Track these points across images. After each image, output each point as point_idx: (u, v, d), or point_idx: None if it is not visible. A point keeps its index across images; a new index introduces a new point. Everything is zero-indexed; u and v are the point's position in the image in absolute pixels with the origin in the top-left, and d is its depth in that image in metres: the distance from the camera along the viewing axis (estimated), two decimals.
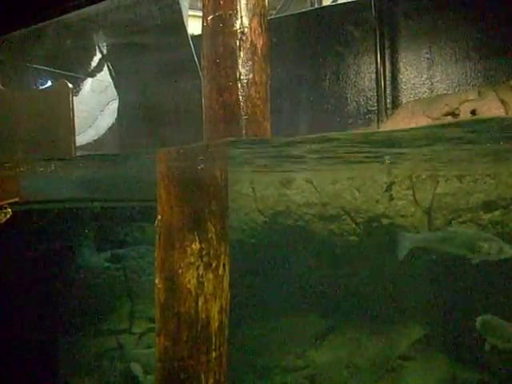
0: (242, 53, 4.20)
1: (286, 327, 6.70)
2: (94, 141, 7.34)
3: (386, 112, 6.66)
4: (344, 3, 7.59)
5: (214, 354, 4.25)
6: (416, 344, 6.03)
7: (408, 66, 6.68)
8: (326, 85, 7.06)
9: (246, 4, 4.24)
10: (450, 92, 6.47)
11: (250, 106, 4.19)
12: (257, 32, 4.29)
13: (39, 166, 5.17)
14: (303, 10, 8.49)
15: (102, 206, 6.54)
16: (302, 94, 7.14)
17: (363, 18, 6.78)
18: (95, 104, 7.53)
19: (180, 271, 4.13)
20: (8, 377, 6.28)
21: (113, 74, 7.57)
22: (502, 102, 5.75)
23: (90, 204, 6.29)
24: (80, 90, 7.26)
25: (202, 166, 4.38)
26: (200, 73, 6.20)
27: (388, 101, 6.72)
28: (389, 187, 6.02)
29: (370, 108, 6.86)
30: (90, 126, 7.41)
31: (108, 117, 7.64)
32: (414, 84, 6.67)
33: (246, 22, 4.23)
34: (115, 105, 7.68)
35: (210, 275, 4.18)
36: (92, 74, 7.47)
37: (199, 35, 5.51)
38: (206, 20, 4.32)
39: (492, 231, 5.44)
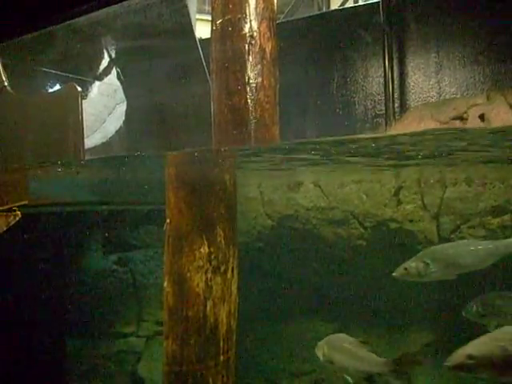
0: (250, 57, 4.20)
1: (293, 331, 6.68)
2: (102, 144, 7.36)
3: (394, 116, 6.65)
4: (352, 7, 7.60)
5: (221, 358, 4.25)
6: (425, 348, 6.00)
7: (416, 70, 6.66)
8: (334, 89, 7.05)
9: (255, 8, 4.25)
10: (458, 96, 6.45)
11: (258, 109, 4.20)
12: (266, 36, 4.30)
13: (48, 169, 5.19)
14: (311, 13, 8.50)
15: (110, 209, 6.56)
16: (310, 97, 7.14)
17: (371, 22, 6.77)
18: (103, 107, 7.55)
19: (188, 275, 4.13)
20: (16, 379, 6.29)
21: (121, 77, 7.59)
22: (511, 106, 5.73)
23: (97, 207, 6.30)
24: (88, 93, 7.28)
25: (211, 169, 4.38)
26: (208, 77, 6.22)
27: (396, 105, 6.70)
28: (397, 191, 6.00)
29: (378, 112, 6.85)
30: (98, 130, 7.42)
31: (116, 120, 7.65)
32: (422, 88, 6.66)
33: (254, 25, 4.24)
34: (123, 108, 7.70)
35: (219, 279, 4.19)
36: (100, 78, 7.49)
37: (207, 39, 5.53)
38: (215, 24, 4.33)
39: (501, 236, 5.42)
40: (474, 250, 4.81)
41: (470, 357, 3.24)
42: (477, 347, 3.28)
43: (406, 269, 4.72)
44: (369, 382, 4.32)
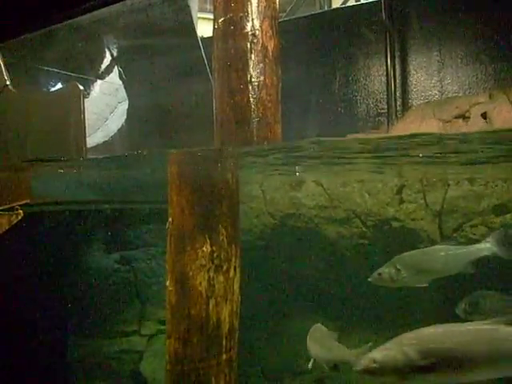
0: (253, 55, 4.19)
1: (295, 329, 6.68)
2: (104, 143, 7.36)
3: (396, 114, 6.64)
4: (354, 5, 7.59)
5: (224, 357, 4.24)
6: None
7: (418, 69, 6.66)
8: (336, 87, 7.05)
9: (257, 6, 4.24)
10: (460, 94, 6.44)
11: (260, 108, 4.19)
12: (268, 34, 4.29)
13: (50, 168, 5.19)
14: (313, 12, 8.49)
15: (112, 208, 6.56)
16: (312, 96, 7.14)
17: (373, 21, 6.77)
18: (105, 106, 7.55)
19: (191, 273, 4.13)
20: (19, 378, 6.30)
21: (123, 76, 7.59)
22: None
23: (99, 206, 6.30)
24: (90, 92, 7.28)
25: (213, 168, 4.37)
26: (210, 75, 6.21)
27: (398, 103, 6.70)
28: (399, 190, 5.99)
29: (380, 110, 6.84)
30: (100, 128, 7.42)
31: (117, 119, 7.65)
32: (424, 86, 6.65)
33: (256, 24, 4.23)
34: (125, 107, 7.70)
35: (221, 278, 4.18)
36: (102, 76, 7.49)
37: (208, 37, 5.52)
38: (217, 22, 4.32)
39: None
40: (444, 256, 4.87)
41: (374, 361, 3.33)
42: (381, 351, 3.37)
43: (380, 274, 4.81)
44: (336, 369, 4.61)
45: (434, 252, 4.96)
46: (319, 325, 4.95)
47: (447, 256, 4.87)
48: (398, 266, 4.80)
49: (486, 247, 4.79)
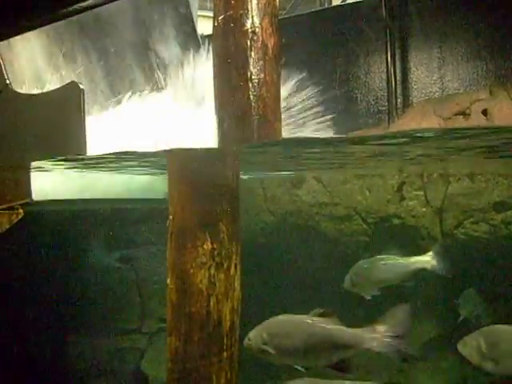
0: (253, 52, 4.20)
1: None
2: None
3: (396, 112, 6.63)
4: (354, 3, 7.57)
5: (225, 354, 4.25)
6: (427, 344, 6.00)
7: (419, 66, 6.64)
8: (336, 85, 7.03)
9: (257, 3, 4.24)
10: (461, 91, 6.43)
11: (261, 106, 4.19)
12: (268, 32, 4.29)
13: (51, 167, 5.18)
14: (313, 9, 8.49)
15: (113, 207, 6.56)
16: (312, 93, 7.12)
17: (374, 18, 6.76)
18: None
19: (191, 271, 4.13)
20: (20, 376, 6.31)
21: None
22: None
23: (100, 204, 6.30)
24: None
25: (214, 165, 4.36)
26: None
27: (399, 100, 6.69)
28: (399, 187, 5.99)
29: (380, 108, 6.83)
30: None
31: None
32: (424, 83, 6.64)
33: (257, 21, 4.23)
34: None
35: (222, 275, 4.19)
36: None
37: (208, 35, 5.52)
38: (217, 20, 4.32)
39: (504, 232, 5.42)
40: (384, 266, 5.00)
41: (248, 339, 3.96)
42: (253, 332, 3.99)
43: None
44: None
45: (376, 262, 5.08)
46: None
47: (387, 266, 4.99)
48: (352, 274, 5.13)
49: (425, 260, 4.91)
